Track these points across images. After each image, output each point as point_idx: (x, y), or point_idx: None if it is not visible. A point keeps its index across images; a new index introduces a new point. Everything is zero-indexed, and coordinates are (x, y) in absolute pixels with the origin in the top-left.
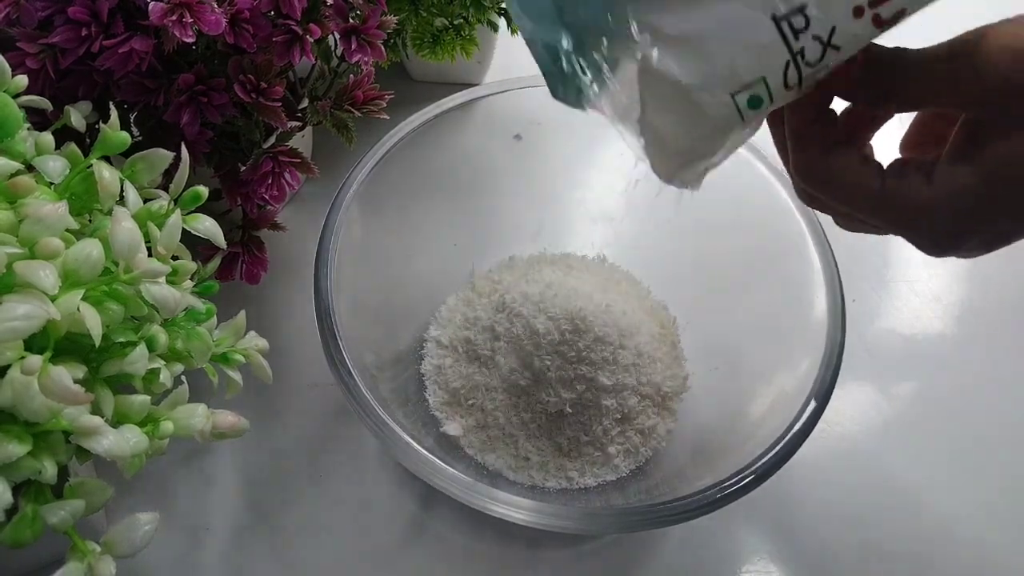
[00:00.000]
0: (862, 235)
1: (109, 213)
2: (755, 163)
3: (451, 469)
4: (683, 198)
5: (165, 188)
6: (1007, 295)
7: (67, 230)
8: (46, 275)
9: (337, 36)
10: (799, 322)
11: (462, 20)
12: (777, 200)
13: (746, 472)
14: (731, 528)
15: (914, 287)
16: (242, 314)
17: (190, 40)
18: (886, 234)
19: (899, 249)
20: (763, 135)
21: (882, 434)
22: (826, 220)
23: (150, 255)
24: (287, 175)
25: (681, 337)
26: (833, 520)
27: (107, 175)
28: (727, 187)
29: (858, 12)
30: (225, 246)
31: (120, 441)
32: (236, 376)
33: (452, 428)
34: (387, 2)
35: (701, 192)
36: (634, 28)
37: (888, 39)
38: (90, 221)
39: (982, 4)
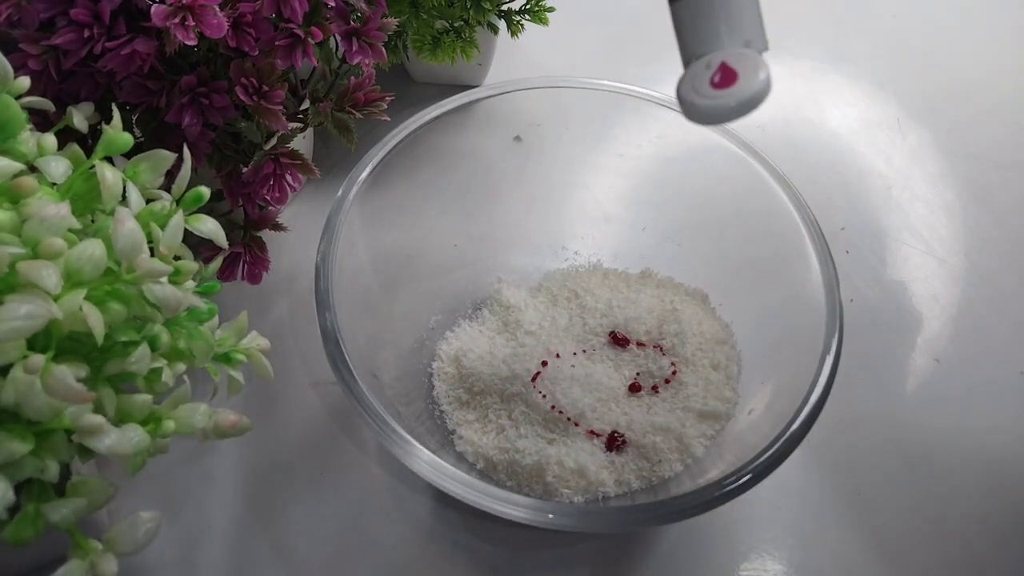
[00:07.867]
0: (860, 236)
1: (111, 213)
2: (752, 163)
3: (451, 468)
4: (680, 199)
5: (167, 189)
6: (1005, 295)
7: (69, 230)
8: (49, 275)
9: (338, 38)
10: (796, 322)
11: (462, 22)
12: (775, 201)
13: (743, 471)
14: (729, 526)
15: (911, 287)
16: (244, 314)
17: (192, 43)
18: None
19: (897, 249)
20: (762, 135)
21: (880, 434)
22: (824, 220)
23: (152, 255)
24: (288, 177)
25: None
26: (833, 519)
27: (110, 176)
28: (724, 188)
29: None
30: (227, 246)
31: (122, 439)
32: (238, 375)
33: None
34: (388, 4)
35: (699, 193)
36: None
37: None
38: (92, 221)
39: None
